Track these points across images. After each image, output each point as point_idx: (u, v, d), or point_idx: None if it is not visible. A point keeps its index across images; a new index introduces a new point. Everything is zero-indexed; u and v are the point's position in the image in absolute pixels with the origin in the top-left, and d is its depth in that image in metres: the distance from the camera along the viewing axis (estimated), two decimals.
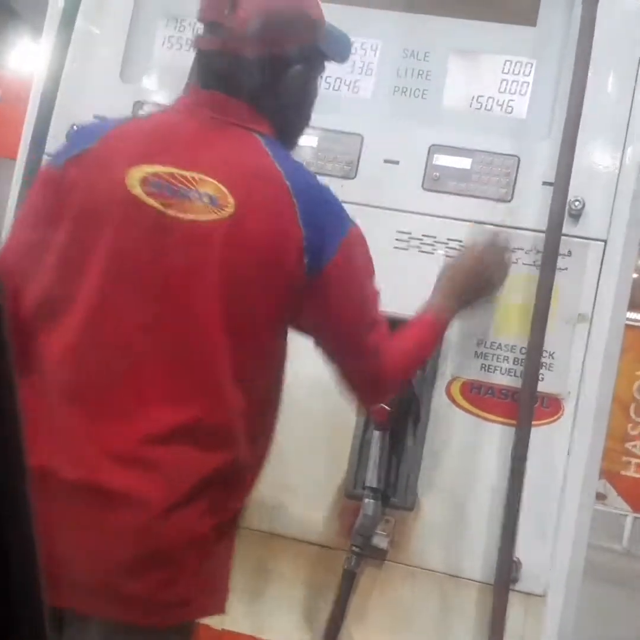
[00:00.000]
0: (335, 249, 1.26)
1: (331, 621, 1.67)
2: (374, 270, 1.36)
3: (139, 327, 1.24)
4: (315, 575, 1.71)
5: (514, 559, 1.62)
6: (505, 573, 1.57)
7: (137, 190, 1.24)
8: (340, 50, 1.43)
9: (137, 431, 1.21)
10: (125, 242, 1.25)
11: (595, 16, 1.62)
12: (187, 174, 1.24)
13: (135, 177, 1.24)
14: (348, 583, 1.66)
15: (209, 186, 1.23)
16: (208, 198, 1.22)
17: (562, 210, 1.61)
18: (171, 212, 1.23)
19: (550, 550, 1.63)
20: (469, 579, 1.64)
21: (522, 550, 1.63)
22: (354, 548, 1.65)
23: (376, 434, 1.68)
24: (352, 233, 1.31)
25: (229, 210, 1.22)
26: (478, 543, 1.64)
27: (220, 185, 1.23)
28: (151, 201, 1.23)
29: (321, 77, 1.42)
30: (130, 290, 1.24)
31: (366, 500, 1.65)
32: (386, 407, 1.61)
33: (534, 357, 1.59)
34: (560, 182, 1.61)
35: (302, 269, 1.24)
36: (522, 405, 1.59)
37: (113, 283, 1.24)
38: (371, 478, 1.65)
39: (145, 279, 1.24)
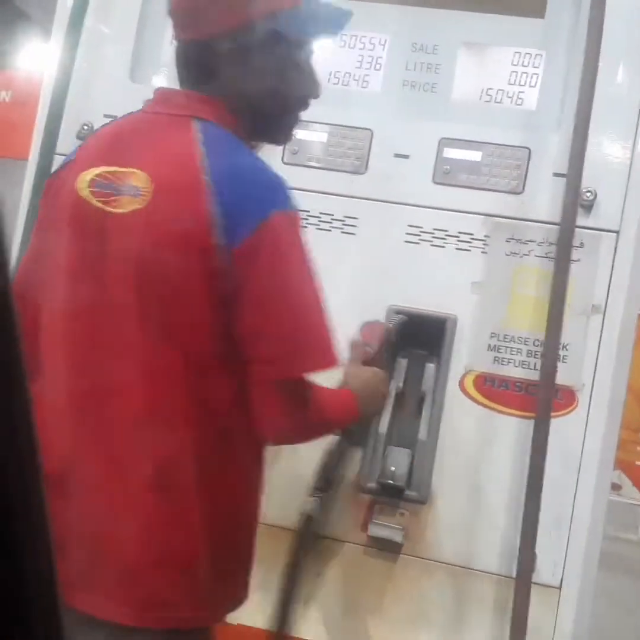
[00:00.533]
0: (250, 231, 1.18)
1: (288, 574, 1.63)
2: (308, 267, 1.26)
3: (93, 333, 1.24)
4: (329, 569, 1.71)
5: None
6: (527, 569, 1.56)
7: (85, 192, 1.26)
8: (325, 19, 1.37)
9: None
10: (83, 245, 1.26)
11: (604, 7, 1.62)
12: (125, 169, 1.24)
13: (85, 179, 1.26)
14: (305, 528, 1.63)
15: (137, 178, 1.23)
16: (134, 189, 1.22)
17: (575, 203, 1.60)
18: (109, 208, 1.23)
19: (566, 542, 1.63)
20: (485, 572, 1.65)
21: (538, 542, 1.62)
22: (315, 490, 1.63)
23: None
24: (276, 217, 1.21)
25: (147, 198, 1.21)
26: (493, 535, 1.65)
27: (146, 176, 1.22)
28: (95, 201, 1.25)
29: (306, 49, 1.36)
30: (89, 294, 1.25)
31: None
32: None
33: (551, 350, 1.58)
34: (573, 174, 1.60)
35: (214, 250, 1.18)
36: (541, 399, 1.59)
37: (75, 287, 1.26)
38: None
39: (96, 279, 1.24)
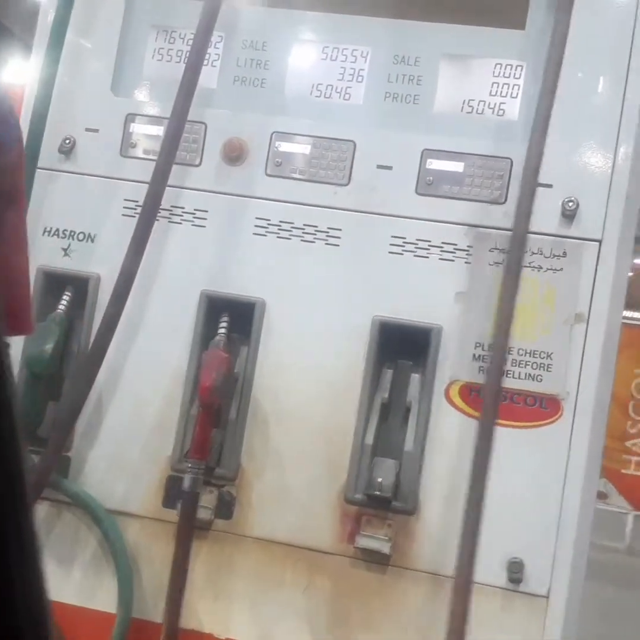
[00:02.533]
0: None
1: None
2: None
3: None
4: (317, 581, 1.71)
5: (517, 559, 1.63)
6: (467, 571, 1.55)
7: None
8: None
9: None
10: None
11: (569, 19, 1.63)
12: None
13: None
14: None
15: None
16: None
17: (528, 212, 1.61)
18: None
19: (553, 551, 1.63)
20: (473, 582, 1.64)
21: (525, 551, 1.63)
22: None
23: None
24: None
25: None
26: (480, 545, 1.64)
27: None
28: None
29: None
30: None
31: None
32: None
33: (499, 353, 1.59)
34: (528, 178, 1.61)
35: None
36: (486, 402, 1.59)
37: None
38: None
39: None
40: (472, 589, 1.53)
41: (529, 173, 1.60)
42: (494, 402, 1.57)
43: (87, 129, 1.86)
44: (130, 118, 1.86)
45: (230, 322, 1.76)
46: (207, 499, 1.73)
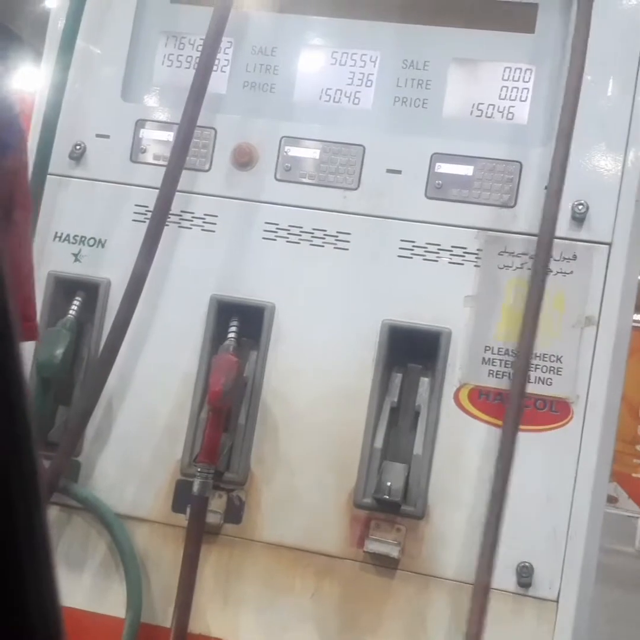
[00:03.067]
0: None
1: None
2: None
3: None
4: (326, 586, 1.71)
5: (526, 563, 1.62)
6: (486, 575, 1.55)
7: None
8: None
9: None
10: None
11: (590, 21, 1.64)
12: None
13: None
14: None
15: None
16: None
17: (554, 217, 1.61)
18: None
19: (563, 555, 1.62)
20: None
21: (534, 555, 1.63)
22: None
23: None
24: None
25: None
26: None
27: None
28: None
29: None
30: None
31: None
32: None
33: (523, 359, 1.60)
34: (554, 186, 1.61)
35: None
36: (510, 409, 1.59)
37: None
38: None
39: None
40: (489, 596, 1.53)
41: (555, 180, 1.60)
42: (518, 409, 1.57)
43: (98, 135, 1.87)
44: (140, 124, 1.86)
45: (239, 326, 1.76)
46: (217, 504, 1.73)
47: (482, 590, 1.54)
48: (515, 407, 1.58)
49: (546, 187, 1.64)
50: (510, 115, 1.74)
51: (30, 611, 0.41)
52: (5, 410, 0.39)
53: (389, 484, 1.65)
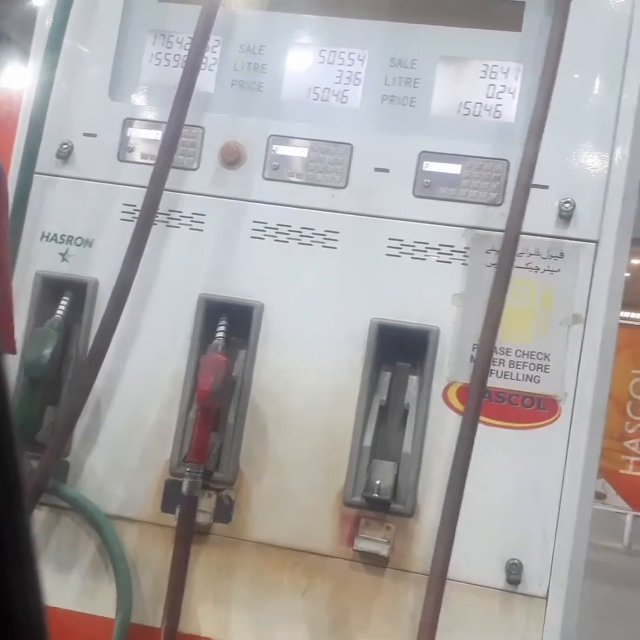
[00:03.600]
0: None
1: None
2: None
3: None
4: (316, 585, 1.71)
5: (515, 561, 1.63)
6: (442, 567, 1.55)
7: None
8: None
9: None
10: None
11: (567, 16, 1.64)
12: None
13: None
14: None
15: None
16: None
17: (522, 212, 1.62)
18: None
19: (551, 552, 1.63)
20: (472, 583, 1.65)
21: (523, 553, 1.63)
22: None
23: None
24: None
25: None
26: (479, 546, 1.65)
27: None
28: None
29: None
30: None
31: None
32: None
33: (485, 351, 1.60)
34: (523, 181, 1.62)
35: None
36: (470, 399, 1.60)
37: None
38: None
39: None
40: (444, 584, 1.54)
41: (523, 173, 1.61)
42: (478, 398, 1.58)
43: (85, 134, 1.86)
44: (127, 122, 1.86)
45: (228, 325, 1.76)
46: (206, 503, 1.73)
47: (437, 578, 1.54)
48: (475, 397, 1.58)
49: (539, 186, 1.64)
50: (497, 114, 1.75)
51: (16, 619, 0.41)
52: None
53: (378, 482, 1.65)
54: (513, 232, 1.61)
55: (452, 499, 1.56)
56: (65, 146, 1.86)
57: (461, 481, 1.56)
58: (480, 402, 1.59)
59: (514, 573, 1.63)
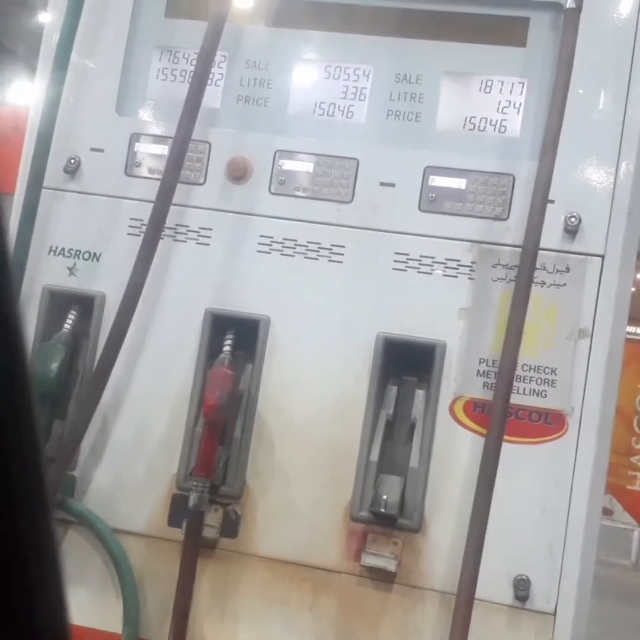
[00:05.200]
0: None
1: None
2: None
3: None
4: (323, 600, 1.70)
5: (523, 577, 1.62)
6: (470, 587, 1.55)
7: None
8: None
9: None
10: None
11: (576, 33, 1.65)
12: None
13: None
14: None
15: None
16: None
17: (539, 228, 1.62)
18: None
19: (559, 568, 1.62)
20: (480, 599, 1.64)
21: (531, 568, 1.62)
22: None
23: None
24: None
25: None
26: (487, 562, 1.64)
27: None
28: None
29: None
30: None
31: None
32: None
33: (507, 370, 1.60)
34: (539, 197, 1.62)
35: None
36: (494, 419, 1.59)
37: None
38: None
39: None
40: (472, 605, 1.53)
41: (539, 189, 1.61)
42: (502, 417, 1.58)
43: (92, 149, 1.88)
44: (134, 137, 1.87)
45: (234, 339, 1.76)
46: (213, 518, 1.72)
47: (465, 600, 1.54)
48: (499, 416, 1.58)
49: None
50: (502, 129, 1.75)
51: (40, 629, 0.41)
52: (13, 422, 0.39)
53: (385, 497, 1.65)
54: (531, 247, 1.61)
55: (479, 518, 1.55)
56: (72, 161, 1.87)
57: (487, 500, 1.55)
58: (504, 419, 1.58)
59: (521, 589, 1.62)
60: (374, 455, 1.68)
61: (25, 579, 0.40)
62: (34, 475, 0.40)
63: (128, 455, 1.79)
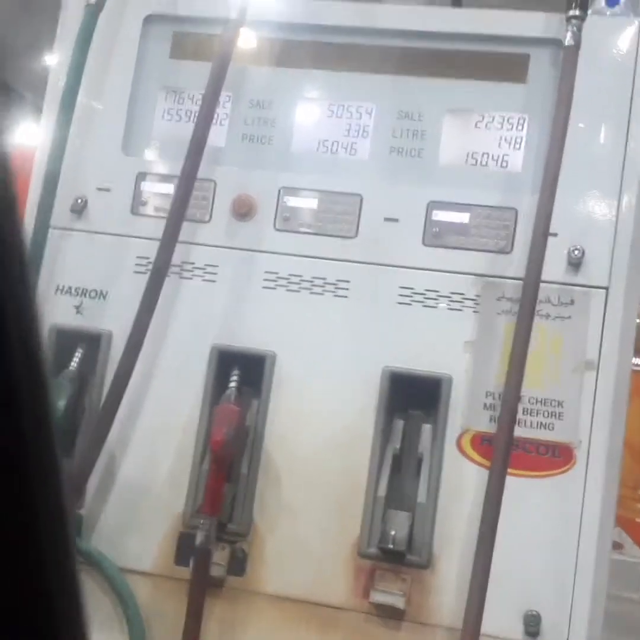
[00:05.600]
0: None
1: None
2: None
3: None
4: (331, 638, 1.68)
5: (533, 612, 1.61)
6: (476, 622, 1.53)
7: None
8: None
9: None
10: None
11: (575, 68, 1.67)
12: None
13: None
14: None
15: None
16: None
17: (540, 261, 1.63)
18: None
19: (570, 602, 1.61)
20: (490, 636, 1.62)
21: (541, 604, 1.61)
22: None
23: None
24: None
25: None
26: (496, 597, 1.62)
27: None
28: None
29: None
30: None
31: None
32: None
33: (511, 401, 1.60)
34: (540, 230, 1.64)
35: None
36: (497, 451, 1.59)
37: None
38: None
39: None
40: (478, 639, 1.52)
41: (540, 223, 1.63)
42: (505, 449, 1.57)
43: (99, 189, 1.89)
44: (140, 177, 1.89)
45: (241, 375, 1.76)
46: (220, 556, 1.71)
47: (471, 634, 1.52)
48: (503, 448, 1.57)
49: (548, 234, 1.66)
50: (504, 164, 1.77)
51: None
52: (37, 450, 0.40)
53: (393, 533, 1.64)
54: (532, 280, 1.62)
55: (484, 552, 1.54)
56: (79, 200, 1.89)
57: (492, 534, 1.54)
58: (507, 454, 1.57)
59: (532, 625, 1.60)
60: (382, 491, 1.68)
61: (51, 615, 0.40)
62: (56, 499, 0.41)
63: (135, 493, 1.78)
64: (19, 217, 0.41)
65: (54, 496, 0.41)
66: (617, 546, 6.03)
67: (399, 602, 1.64)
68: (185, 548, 1.72)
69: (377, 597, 1.65)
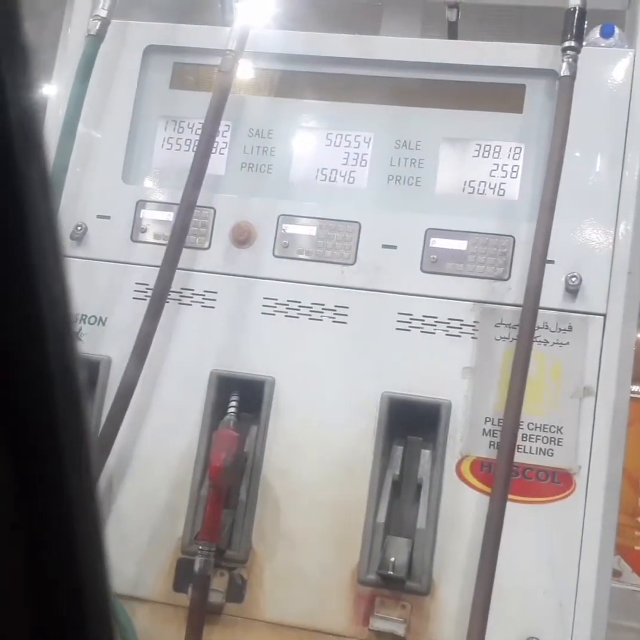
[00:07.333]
0: None
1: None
2: None
3: None
4: None
5: (534, 639, 1.60)
6: None
7: None
8: None
9: None
10: None
11: (571, 98, 1.70)
12: None
13: None
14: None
15: None
16: None
17: (538, 287, 1.64)
18: None
19: (570, 629, 1.60)
20: None
21: (542, 630, 1.60)
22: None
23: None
24: None
25: None
26: (497, 623, 1.61)
27: None
28: None
29: None
30: None
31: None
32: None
33: (510, 427, 1.60)
34: (538, 257, 1.65)
35: None
36: (498, 477, 1.59)
37: None
38: None
39: None
40: None
41: (537, 250, 1.64)
42: (506, 476, 1.57)
43: (99, 216, 1.91)
44: (140, 204, 1.90)
45: (240, 401, 1.77)
46: (219, 582, 1.70)
47: None
48: (503, 474, 1.57)
49: (545, 261, 1.67)
50: (501, 192, 1.79)
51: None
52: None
53: (392, 559, 1.63)
54: (530, 306, 1.63)
55: (485, 579, 1.53)
56: (79, 228, 1.90)
57: (492, 560, 1.54)
58: (508, 480, 1.58)
59: None
60: (381, 517, 1.67)
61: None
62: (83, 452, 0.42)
63: (133, 519, 1.78)
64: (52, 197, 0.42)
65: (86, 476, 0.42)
66: (615, 574, 6.00)
67: (399, 629, 1.63)
68: (184, 574, 1.71)
69: (377, 624, 1.65)
